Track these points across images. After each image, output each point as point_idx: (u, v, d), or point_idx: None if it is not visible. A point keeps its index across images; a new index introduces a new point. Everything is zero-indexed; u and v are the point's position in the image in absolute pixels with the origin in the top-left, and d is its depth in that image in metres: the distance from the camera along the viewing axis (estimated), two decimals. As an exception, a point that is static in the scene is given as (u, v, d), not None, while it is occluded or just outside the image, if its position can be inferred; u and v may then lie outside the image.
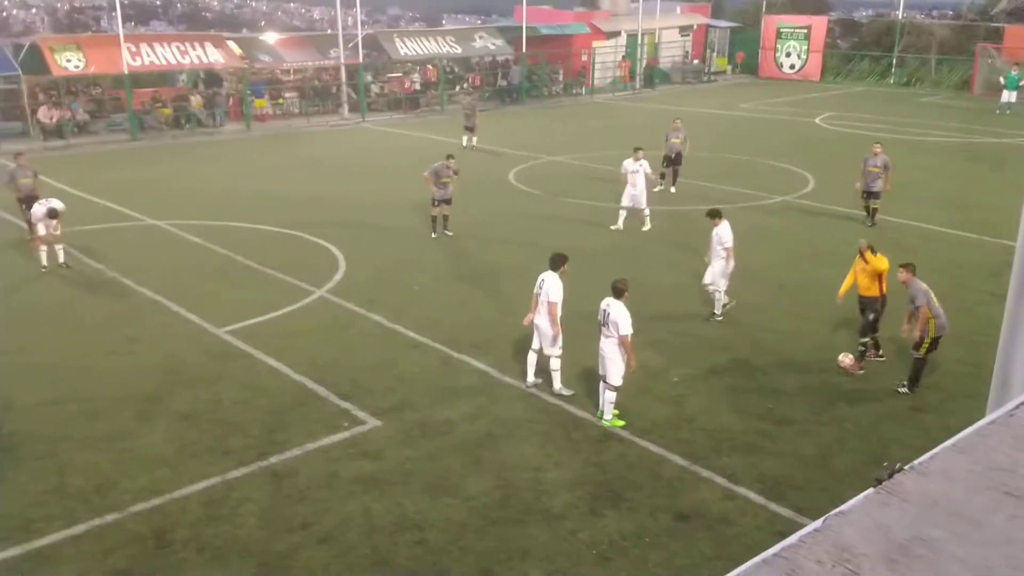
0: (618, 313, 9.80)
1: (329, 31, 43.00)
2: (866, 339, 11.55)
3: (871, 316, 11.44)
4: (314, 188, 22.39)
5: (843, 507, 1.99)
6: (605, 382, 10.04)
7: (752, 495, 8.65)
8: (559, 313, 10.50)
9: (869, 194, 18.71)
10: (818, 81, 46.89)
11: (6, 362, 11.78)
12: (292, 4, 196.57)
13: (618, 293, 9.96)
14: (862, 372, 11.36)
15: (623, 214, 18.25)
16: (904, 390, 10.78)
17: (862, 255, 11.48)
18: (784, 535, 1.92)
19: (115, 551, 7.81)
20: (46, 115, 29.24)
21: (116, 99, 31.23)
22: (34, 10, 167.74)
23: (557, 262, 10.70)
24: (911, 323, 10.71)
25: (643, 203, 18.22)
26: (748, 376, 11.42)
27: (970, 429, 2.34)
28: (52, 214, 15.50)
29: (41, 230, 15.60)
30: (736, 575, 1.79)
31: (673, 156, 21.60)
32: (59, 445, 9.58)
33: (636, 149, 18.40)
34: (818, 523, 1.92)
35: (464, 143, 27.35)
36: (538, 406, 10.57)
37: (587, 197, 21.01)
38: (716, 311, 13.34)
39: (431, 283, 15.13)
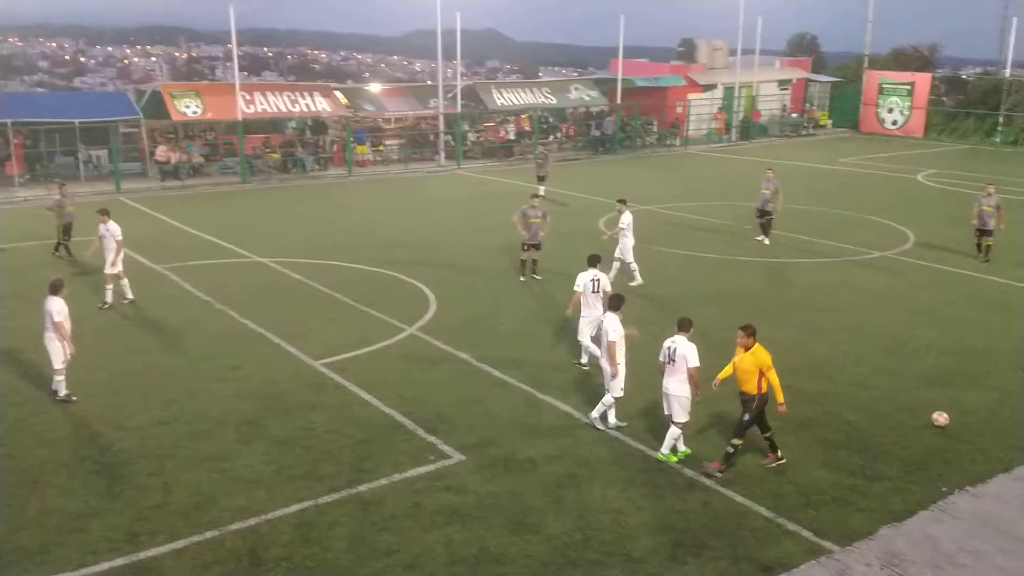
0: (686, 348, 10.05)
1: (429, 82, 44.52)
2: (739, 441, 10.00)
3: (746, 416, 9.96)
4: (410, 231, 23.12)
5: (898, 522, 2.10)
6: (671, 420, 10.22)
7: (837, 550, 8.44)
8: (622, 353, 10.92)
9: (982, 232, 19.30)
10: (921, 138, 45.75)
11: (121, 385, 12.55)
12: (395, 57, 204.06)
13: (684, 329, 10.20)
14: (721, 474, 9.95)
15: (633, 268, 17.62)
16: None
17: (743, 343, 9.98)
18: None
19: (212, 566, 8.22)
20: (164, 155, 31.13)
21: (229, 143, 33.02)
22: (153, 59, 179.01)
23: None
24: None
25: (625, 256, 17.57)
26: (839, 431, 11.18)
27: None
28: (104, 212, 16.41)
29: (114, 265, 16.00)
30: (793, 574, 1.92)
31: (765, 208, 21.46)
32: (165, 463, 10.16)
33: (620, 201, 18.13)
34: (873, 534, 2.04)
35: (541, 192, 27.58)
36: (621, 451, 10.61)
37: (677, 246, 21.03)
38: (582, 359, 13.36)
39: (518, 325, 15.39)
